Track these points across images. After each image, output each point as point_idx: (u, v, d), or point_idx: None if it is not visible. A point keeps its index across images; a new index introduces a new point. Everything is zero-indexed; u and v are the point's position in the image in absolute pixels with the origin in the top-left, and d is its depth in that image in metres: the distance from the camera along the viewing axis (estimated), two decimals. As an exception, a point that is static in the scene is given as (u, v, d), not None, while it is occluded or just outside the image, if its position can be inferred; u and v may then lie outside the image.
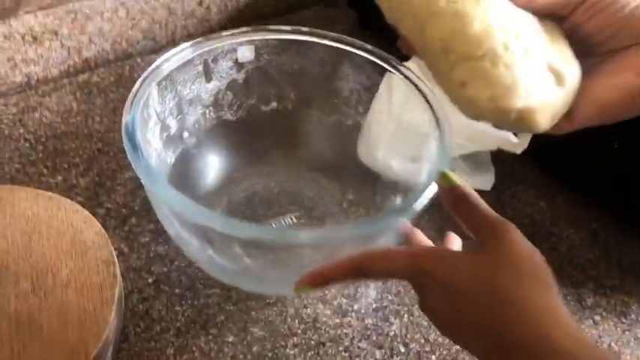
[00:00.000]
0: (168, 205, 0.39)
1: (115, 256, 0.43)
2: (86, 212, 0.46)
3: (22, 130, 0.57)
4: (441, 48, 0.30)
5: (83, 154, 0.56)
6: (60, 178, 0.53)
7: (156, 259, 0.48)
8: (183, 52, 0.48)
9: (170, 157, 0.50)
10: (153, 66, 0.46)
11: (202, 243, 0.42)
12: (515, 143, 0.52)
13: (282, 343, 0.44)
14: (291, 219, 0.52)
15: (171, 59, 0.47)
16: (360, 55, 0.50)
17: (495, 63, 0.29)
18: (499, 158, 0.57)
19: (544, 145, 0.54)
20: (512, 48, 0.30)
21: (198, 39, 0.49)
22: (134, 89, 0.43)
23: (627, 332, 0.48)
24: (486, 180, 0.57)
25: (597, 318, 0.49)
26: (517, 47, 0.30)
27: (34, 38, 0.59)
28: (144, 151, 0.40)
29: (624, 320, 0.49)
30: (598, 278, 0.52)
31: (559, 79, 0.31)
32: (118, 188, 0.53)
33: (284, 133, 0.55)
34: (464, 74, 0.30)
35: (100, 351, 0.38)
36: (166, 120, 0.49)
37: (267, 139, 0.55)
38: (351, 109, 0.54)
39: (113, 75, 0.64)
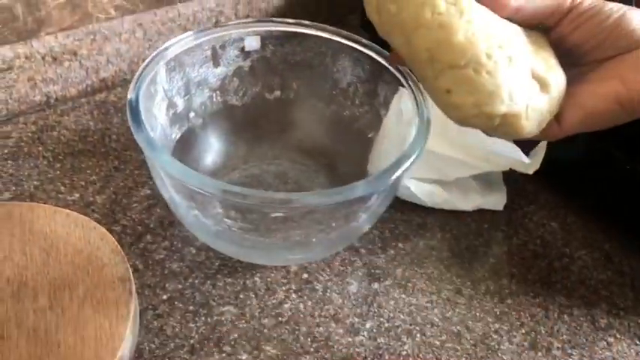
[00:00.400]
0: (159, 163, 0.41)
1: (131, 273, 0.43)
2: (103, 229, 0.46)
3: (40, 148, 0.58)
4: (427, 57, 0.32)
5: (100, 172, 0.57)
6: (77, 195, 0.54)
7: (170, 276, 0.49)
8: (191, 37, 0.51)
9: (175, 134, 0.53)
10: (161, 48, 0.48)
11: (188, 202, 0.44)
12: (527, 164, 0.52)
13: (295, 362, 0.44)
14: None
15: (179, 44, 0.50)
16: (356, 49, 0.53)
17: (478, 71, 0.31)
18: (511, 178, 0.58)
19: (556, 165, 0.54)
20: (496, 57, 0.31)
21: (206, 27, 0.52)
22: (141, 67, 0.46)
23: (641, 354, 0.48)
24: (498, 200, 0.57)
25: (611, 340, 0.48)
26: (500, 56, 0.31)
27: (54, 58, 0.61)
28: (147, 122, 0.43)
29: (638, 342, 0.48)
30: (611, 299, 0.51)
31: (543, 86, 0.33)
32: (134, 205, 0.54)
33: (286, 121, 0.58)
34: (449, 82, 0.32)
35: None
36: (173, 98, 0.52)
37: (269, 126, 0.58)
38: (348, 101, 0.57)
39: (130, 94, 0.65)
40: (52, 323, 0.39)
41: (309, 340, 0.46)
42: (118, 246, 0.45)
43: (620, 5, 0.33)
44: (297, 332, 0.46)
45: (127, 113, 0.43)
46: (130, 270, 0.44)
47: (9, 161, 0.56)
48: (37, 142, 0.59)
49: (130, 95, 0.44)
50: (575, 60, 0.34)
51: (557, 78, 0.34)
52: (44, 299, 0.41)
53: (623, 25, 0.32)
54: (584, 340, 0.48)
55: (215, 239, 0.48)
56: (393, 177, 0.41)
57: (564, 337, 0.48)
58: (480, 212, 0.57)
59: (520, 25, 0.34)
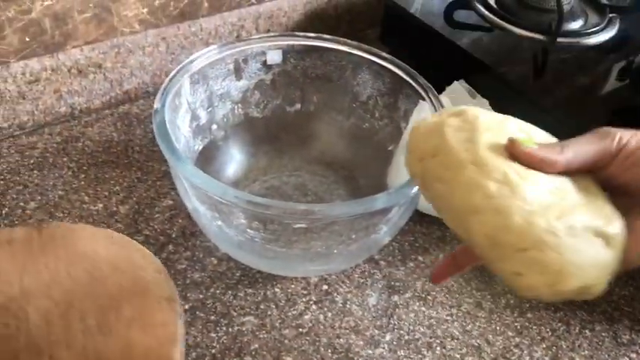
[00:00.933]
0: (184, 173, 0.42)
1: (177, 293, 0.43)
2: (145, 250, 0.46)
3: (65, 159, 0.59)
4: (488, 243, 0.31)
5: (123, 183, 0.57)
6: (101, 205, 0.55)
7: (192, 286, 0.49)
8: (215, 51, 0.52)
9: (198, 145, 0.54)
10: (186, 61, 0.50)
11: (212, 213, 0.45)
12: None
13: (315, 373, 0.44)
14: None
15: (203, 57, 0.51)
16: (377, 63, 0.54)
17: (543, 250, 0.30)
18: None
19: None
20: (556, 230, 0.30)
21: (230, 41, 0.53)
22: (167, 80, 0.48)
23: (664, 371, 0.47)
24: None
25: (633, 355, 0.48)
26: (560, 228, 0.30)
27: (80, 71, 0.62)
28: (171, 133, 0.44)
29: (661, 358, 0.48)
30: (633, 315, 0.51)
31: (607, 240, 0.31)
32: (157, 216, 0.55)
33: (306, 133, 0.60)
34: (515, 266, 0.30)
35: None
36: (197, 110, 0.53)
37: (289, 138, 0.60)
38: (367, 114, 0.58)
39: (152, 107, 0.66)
40: (101, 345, 0.39)
41: (329, 351, 0.46)
42: (162, 265, 0.45)
43: None
44: (317, 343, 0.46)
45: (153, 123, 0.44)
46: (176, 290, 0.43)
47: (35, 171, 0.57)
48: (62, 153, 0.60)
49: (156, 105, 0.45)
50: (629, 193, 0.34)
51: (617, 228, 0.32)
52: (92, 320, 0.40)
53: None
54: (606, 356, 0.48)
55: (237, 249, 0.48)
56: (415, 189, 0.42)
57: (586, 352, 0.48)
58: (500, 226, 0.57)
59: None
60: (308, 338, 0.47)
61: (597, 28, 0.67)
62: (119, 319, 0.40)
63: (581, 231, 0.31)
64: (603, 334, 0.49)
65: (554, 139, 0.35)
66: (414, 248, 0.55)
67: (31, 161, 0.59)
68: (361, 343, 0.47)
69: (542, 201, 0.31)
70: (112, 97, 0.66)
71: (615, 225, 0.32)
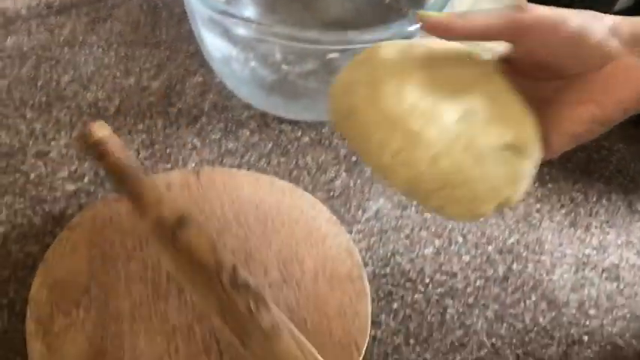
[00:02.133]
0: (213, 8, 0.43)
1: (354, 245, 0.42)
2: (312, 197, 0.44)
3: (94, 38, 0.60)
4: (407, 190, 0.32)
5: (153, 61, 0.58)
6: (133, 79, 0.56)
7: (227, 154, 0.51)
8: None
9: None
10: None
11: (246, 54, 0.47)
12: None
13: (347, 229, 0.47)
14: None
15: None
16: None
17: (453, 187, 0.31)
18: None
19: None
20: (462, 166, 0.30)
21: None
22: None
23: (675, 236, 0.50)
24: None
25: (646, 222, 0.51)
26: (467, 162, 0.30)
27: (105, -50, 0.62)
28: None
29: (673, 226, 0.51)
30: (648, 187, 0.54)
31: (518, 150, 0.32)
32: (188, 91, 0.56)
33: None
34: (436, 202, 0.32)
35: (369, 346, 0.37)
36: None
37: (291, 5, 0.60)
38: None
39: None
40: (291, 299, 0.37)
41: (360, 211, 0.48)
42: (333, 215, 0.43)
43: (581, 18, 0.31)
44: (348, 204, 0.49)
45: None
46: (352, 241, 0.42)
47: (65, 48, 0.58)
48: (91, 33, 0.60)
49: None
50: (549, 75, 0.34)
51: (525, 132, 0.32)
52: (276, 273, 0.38)
53: (585, 40, 0.31)
54: (621, 221, 0.50)
55: (268, 94, 0.50)
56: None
57: (602, 217, 0.50)
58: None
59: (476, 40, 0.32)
60: (339, 200, 0.49)
61: None
62: (304, 272, 0.38)
63: (489, 154, 0.31)
64: (619, 202, 0.52)
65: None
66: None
67: (61, 39, 0.59)
68: (389, 205, 0.49)
69: (448, 137, 0.31)
70: (136, -20, 0.66)
71: (522, 129, 0.32)
